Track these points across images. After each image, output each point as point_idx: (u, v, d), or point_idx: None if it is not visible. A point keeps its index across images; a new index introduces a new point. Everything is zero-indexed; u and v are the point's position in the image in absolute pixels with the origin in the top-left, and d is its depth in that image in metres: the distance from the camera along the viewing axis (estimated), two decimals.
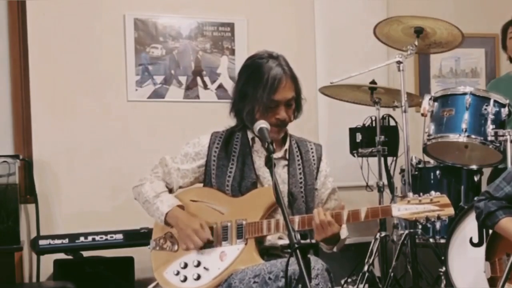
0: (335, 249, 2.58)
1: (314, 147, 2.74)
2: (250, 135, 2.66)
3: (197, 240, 2.50)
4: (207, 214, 2.59)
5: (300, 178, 2.64)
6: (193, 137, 2.74)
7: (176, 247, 2.60)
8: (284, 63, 2.61)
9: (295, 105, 2.64)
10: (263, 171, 2.61)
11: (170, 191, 2.70)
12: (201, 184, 2.72)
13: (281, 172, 2.64)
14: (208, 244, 2.53)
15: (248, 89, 2.58)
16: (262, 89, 2.52)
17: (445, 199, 2.39)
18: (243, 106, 2.59)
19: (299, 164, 2.67)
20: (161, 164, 2.72)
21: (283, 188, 2.59)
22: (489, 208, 2.65)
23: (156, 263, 2.63)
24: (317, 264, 2.29)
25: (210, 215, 2.58)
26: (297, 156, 2.68)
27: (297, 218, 2.46)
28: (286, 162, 2.66)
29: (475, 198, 2.90)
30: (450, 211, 2.38)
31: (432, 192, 2.42)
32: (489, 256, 2.75)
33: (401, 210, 2.41)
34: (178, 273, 2.54)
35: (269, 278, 2.30)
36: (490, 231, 2.77)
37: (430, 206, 2.38)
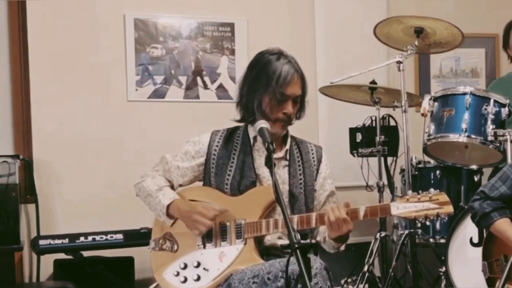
0: (342, 247, 2.58)
1: (314, 149, 2.75)
2: (252, 134, 2.66)
3: (206, 221, 2.50)
4: None
5: (300, 179, 2.64)
6: (196, 135, 2.74)
7: (175, 247, 2.60)
8: (294, 61, 2.64)
9: (300, 104, 2.65)
10: (263, 171, 2.61)
11: (171, 188, 2.70)
12: (201, 183, 2.72)
13: (282, 172, 2.63)
14: (208, 243, 2.53)
15: (259, 82, 2.59)
16: (275, 82, 2.54)
17: (444, 197, 2.38)
18: (253, 98, 2.60)
19: (299, 165, 2.67)
20: (161, 162, 2.73)
21: (284, 189, 2.60)
22: (484, 209, 2.64)
23: (156, 263, 2.63)
24: (315, 263, 2.29)
25: None
26: (298, 157, 2.69)
27: (295, 218, 2.46)
28: (286, 163, 2.66)
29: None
30: (449, 209, 2.37)
31: (431, 190, 2.41)
32: (486, 256, 2.74)
33: (400, 208, 2.40)
34: (178, 274, 2.54)
35: (268, 279, 2.30)
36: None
37: (429, 204, 2.37)
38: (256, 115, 2.60)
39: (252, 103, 2.61)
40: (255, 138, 2.65)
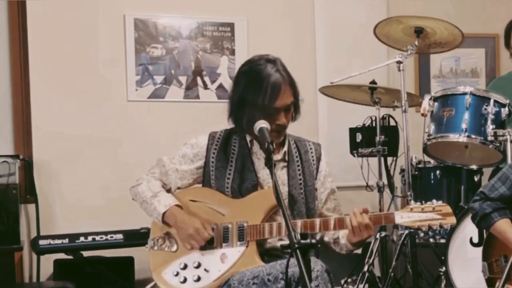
0: (359, 251, 2.59)
1: (313, 147, 2.73)
2: (248, 137, 2.64)
3: (200, 239, 2.49)
4: (207, 215, 2.57)
5: (300, 179, 2.63)
6: (193, 137, 2.73)
7: (175, 247, 2.59)
8: (282, 67, 2.56)
9: (293, 108, 2.61)
10: (262, 173, 2.60)
11: (168, 191, 2.68)
12: (200, 185, 2.70)
13: (280, 173, 2.61)
14: (208, 246, 2.52)
15: (247, 96, 2.53)
16: (262, 97, 2.48)
17: (447, 208, 2.42)
18: (242, 114, 2.55)
19: (298, 165, 2.65)
20: (158, 164, 2.70)
21: (283, 190, 2.58)
22: (484, 210, 2.65)
23: (154, 263, 2.62)
24: (316, 265, 2.29)
25: (210, 216, 2.57)
26: (296, 157, 2.67)
27: (299, 222, 2.46)
28: (285, 164, 2.64)
29: None
30: (452, 220, 2.41)
31: (434, 201, 2.45)
32: (486, 257, 2.75)
33: (404, 217, 2.44)
34: (177, 274, 2.53)
35: (268, 280, 2.30)
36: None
37: (432, 214, 2.42)
38: (247, 131, 2.56)
39: (243, 118, 2.55)
40: (251, 141, 2.63)
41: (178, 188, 2.69)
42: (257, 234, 2.48)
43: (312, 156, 2.70)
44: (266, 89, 2.48)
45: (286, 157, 2.65)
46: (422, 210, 2.42)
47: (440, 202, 2.44)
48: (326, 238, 2.63)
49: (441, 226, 2.40)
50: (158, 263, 2.60)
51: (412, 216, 2.43)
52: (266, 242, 2.55)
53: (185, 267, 2.53)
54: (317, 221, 2.46)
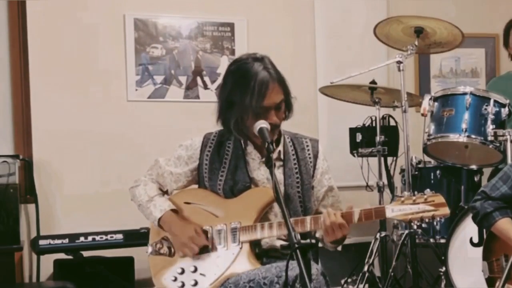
0: (339, 248, 2.55)
1: (310, 144, 2.65)
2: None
3: (194, 247, 2.47)
4: (201, 217, 2.55)
5: (297, 178, 2.58)
6: (189, 138, 2.70)
7: (172, 251, 2.57)
8: (270, 65, 2.49)
9: (285, 106, 2.54)
10: (257, 174, 2.56)
11: (166, 193, 2.67)
12: (197, 185, 2.68)
13: (277, 172, 2.54)
14: (204, 249, 2.51)
15: (235, 97, 2.46)
16: (250, 97, 2.41)
17: (439, 198, 2.33)
18: (231, 115, 2.49)
19: (295, 164, 2.59)
20: (155, 166, 2.69)
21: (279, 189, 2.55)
22: (485, 209, 2.65)
23: (154, 268, 2.60)
24: (312, 268, 2.22)
25: (204, 218, 2.55)
26: (293, 155, 2.61)
27: (291, 220, 2.43)
28: (281, 163, 2.59)
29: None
30: (445, 210, 2.32)
31: (427, 191, 2.36)
32: (486, 256, 2.74)
33: (395, 211, 2.34)
34: (175, 279, 2.52)
35: (264, 284, 2.28)
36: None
37: (424, 206, 2.32)
38: (237, 131, 2.51)
39: (231, 120, 2.49)
40: (245, 142, 2.58)
41: (175, 189, 2.68)
42: (249, 235, 2.45)
43: (309, 154, 2.63)
44: (253, 88, 2.41)
45: (282, 156, 2.60)
46: (414, 201, 2.33)
47: (432, 192, 2.34)
48: (317, 234, 2.57)
49: (433, 217, 2.31)
50: (158, 268, 2.59)
51: (404, 209, 2.33)
52: (263, 242, 2.52)
53: (183, 272, 2.51)
54: (308, 219, 2.40)
